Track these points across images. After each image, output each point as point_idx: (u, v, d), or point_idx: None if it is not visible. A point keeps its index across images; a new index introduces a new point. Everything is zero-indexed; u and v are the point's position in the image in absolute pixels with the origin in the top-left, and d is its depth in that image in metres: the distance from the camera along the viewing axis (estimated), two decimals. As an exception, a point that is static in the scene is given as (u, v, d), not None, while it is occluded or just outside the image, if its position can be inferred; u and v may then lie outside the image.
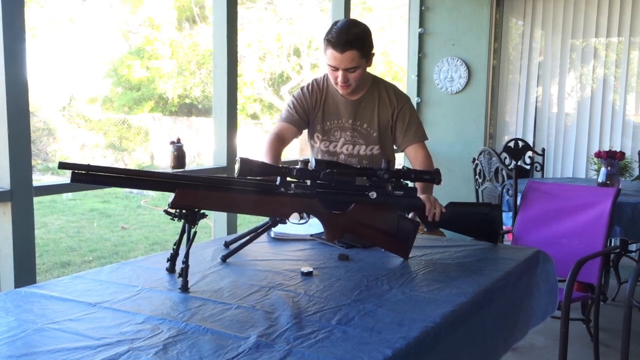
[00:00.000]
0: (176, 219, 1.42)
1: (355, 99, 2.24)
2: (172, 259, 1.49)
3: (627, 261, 4.09)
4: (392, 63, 12.35)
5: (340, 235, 1.61)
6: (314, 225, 1.71)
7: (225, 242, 1.75)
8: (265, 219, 1.68)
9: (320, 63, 12.52)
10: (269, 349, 1.02)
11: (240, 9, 3.13)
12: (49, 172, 10.85)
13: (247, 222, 5.61)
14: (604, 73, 4.75)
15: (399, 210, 1.65)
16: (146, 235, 7.16)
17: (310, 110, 2.25)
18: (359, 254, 1.70)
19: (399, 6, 10.86)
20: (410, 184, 1.76)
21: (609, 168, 3.35)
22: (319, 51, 12.51)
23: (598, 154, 3.42)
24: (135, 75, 12.67)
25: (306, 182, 1.54)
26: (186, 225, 1.42)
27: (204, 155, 11.80)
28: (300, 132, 2.27)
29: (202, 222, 1.45)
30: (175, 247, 1.49)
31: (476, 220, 1.81)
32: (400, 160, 4.99)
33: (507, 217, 3.34)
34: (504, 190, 3.42)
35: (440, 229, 1.83)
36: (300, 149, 7.99)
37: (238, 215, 3.01)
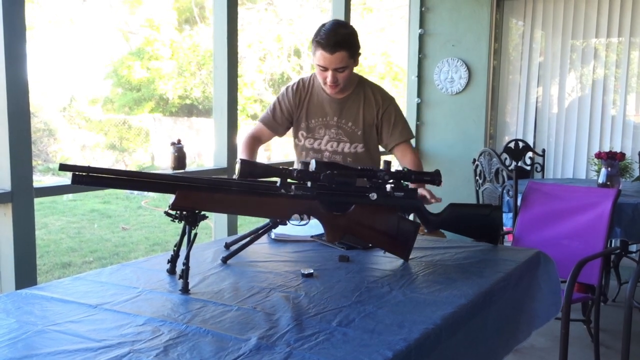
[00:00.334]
0: (177, 221, 1.42)
1: (340, 97, 2.30)
2: (173, 261, 1.49)
3: (627, 262, 4.09)
4: (392, 64, 12.35)
5: (341, 236, 1.61)
6: (315, 227, 1.71)
7: (226, 243, 1.75)
8: (266, 220, 1.68)
9: (320, 63, 12.51)
10: (270, 351, 1.02)
11: (240, 10, 3.14)
12: (50, 172, 10.86)
13: (247, 222, 5.61)
14: (604, 73, 4.75)
15: (400, 211, 1.65)
16: (147, 236, 7.16)
17: (294, 109, 2.32)
18: (359, 256, 1.70)
19: (400, 7, 10.86)
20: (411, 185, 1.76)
21: (609, 169, 3.35)
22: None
23: (598, 155, 3.43)
24: (136, 75, 12.68)
25: (307, 184, 1.54)
26: (187, 226, 1.42)
27: (204, 155, 11.80)
28: (275, 134, 2.37)
29: (202, 222, 1.46)
30: (175, 248, 1.50)
31: (476, 222, 1.81)
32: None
33: (507, 218, 3.34)
34: (505, 191, 3.42)
35: (441, 230, 1.84)
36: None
37: (238, 216, 3.01)
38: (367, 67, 12.46)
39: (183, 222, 1.42)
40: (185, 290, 1.33)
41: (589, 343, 2.85)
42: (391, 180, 1.63)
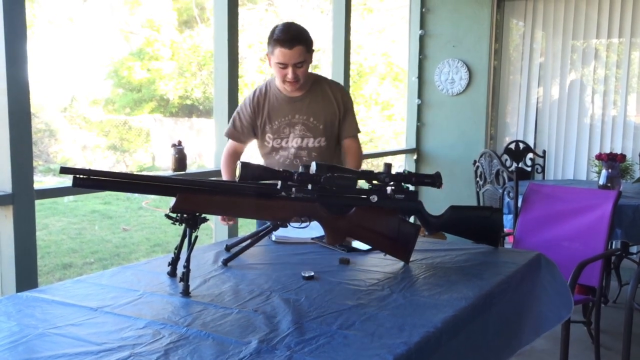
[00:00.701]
0: (177, 223, 1.42)
1: (299, 95, 2.40)
2: (173, 263, 1.49)
3: (628, 263, 4.09)
4: (393, 64, 12.34)
5: (342, 239, 1.61)
6: (315, 229, 1.71)
7: (227, 245, 1.75)
8: (267, 222, 1.68)
9: (321, 64, 12.53)
10: (270, 355, 1.02)
11: (241, 10, 3.14)
12: (51, 173, 10.86)
13: (247, 223, 5.62)
14: (604, 74, 4.75)
15: (400, 213, 1.65)
16: (147, 237, 7.17)
17: (257, 116, 2.42)
18: (359, 258, 1.70)
19: (400, 7, 10.86)
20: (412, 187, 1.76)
21: (610, 170, 3.35)
22: (319, 52, 12.51)
23: (599, 157, 3.43)
24: (136, 76, 12.68)
25: (307, 186, 1.54)
26: (187, 229, 1.42)
27: (205, 156, 11.80)
28: (242, 144, 2.49)
29: (203, 223, 1.46)
30: (176, 251, 1.50)
31: (477, 224, 1.81)
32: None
33: (508, 220, 3.34)
34: (505, 193, 3.42)
35: (442, 231, 1.84)
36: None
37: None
38: (368, 67, 12.46)
39: (184, 224, 1.42)
40: (185, 293, 1.34)
41: (590, 345, 2.85)
42: (392, 183, 1.63)
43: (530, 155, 4.73)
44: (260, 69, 12.62)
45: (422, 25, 5.06)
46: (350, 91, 4.33)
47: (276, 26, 2.30)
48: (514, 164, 4.56)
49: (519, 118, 5.06)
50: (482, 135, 4.92)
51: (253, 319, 1.18)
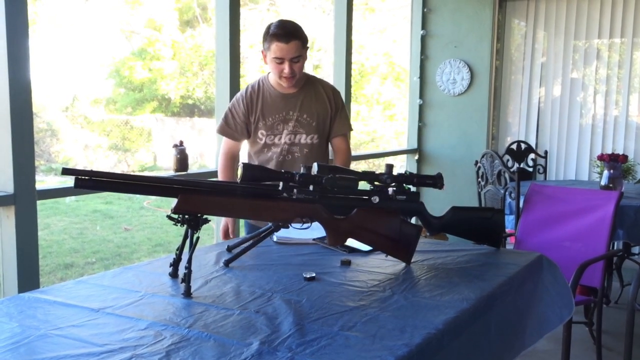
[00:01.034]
0: (179, 224, 1.42)
1: (293, 92, 2.42)
2: (175, 264, 1.49)
3: (629, 264, 4.08)
4: (394, 64, 12.33)
5: (343, 240, 1.61)
6: (316, 229, 1.71)
7: (228, 246, 1.75)
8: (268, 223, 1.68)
9: (322, 63, 12.52)
10: (272, 356, 1.02)
11: (242, 10, 3.15)
12: (52, 172, 10.87)
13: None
14: (606, 74, 4.75)
15: (402, 214, 1.65)
16: (149, 237, 7.17)
17: (250, 112, 2.42)
18: (361, 259, 1.70)
19: (402, 7, 10.86)
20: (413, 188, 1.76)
21: (611, 171, 3.35)
22: (320, 52, 12.51)
23: (601, 157, 3.42)
24: (138, 76, 12.69)
25: (309, 187, 1.54)
26: (189, 230, 1.43)
27: (206, 156, 11.81)
28: (236, 141, 2.48)
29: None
30: (178, 252, 1.50)
31: (478, 225, 1.81)
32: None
33: (509, 220, 3.34)
34: (507, 193, 3.42)
35: (443, 232, 1.83)
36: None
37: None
38: (369, 67, 12.45)
39: (185, 225, 1.42)
40: (187, 294, 1.34)
41: (591, 345, 2.85)
42: (393, 184, 1.63)
43: (532, 155, 4.73)
44: (262, 69, 12.62)
45: (424, 26, 5.06)
46: (352, 91, 4.33)
47: (271, 23, 2.32)
48: (516, 165, 4.56)
49: (520, 118, 5.05)
50: (483, 135, 4.92)
51: (254, 320, 1.19)
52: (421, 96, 5.15)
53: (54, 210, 8.25)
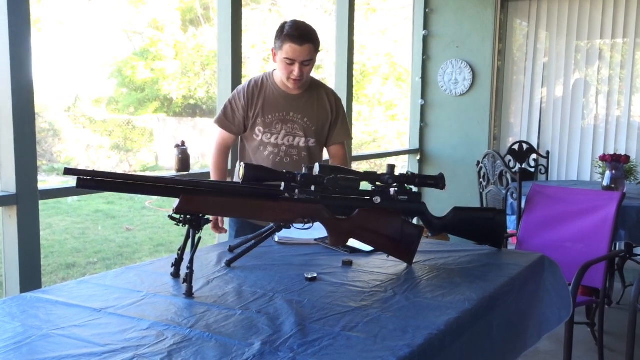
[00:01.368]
0: (181, 225, 1.43)
1: (296, 94, 2.38)
2: (177, 264, 1.50)
3: (632, 264, 4.08)
4: (396, 64, 12.33)
5: (345, 240, 1.61)
6: (318, 229, 1.71)
7: (230, 246, 1.75)
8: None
9: (324, 64, 12.53)
10: (273, 357, 1.02)
11: (244, 10, 3.15)
12: (54, 172, 10.89)
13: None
14: (609, 74, 4.74)
15: (403, 215, 1.65)
16: (151, 237, 7.18)
17: (250, 106, 2.37)
18: (362, 260, 1.70)
19: (404, 7, 10.85)
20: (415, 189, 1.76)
21: (613, 172, 3.34)
22: (322, 52, 12.50)
23: (603, 158, 3.42)
24: (140, 76, 12.70)
25: (310, 188, 1.54)
26: (191, 230, 1.43)
27: (208, 156, 11.80)
28: (232, 134, 2.44)
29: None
30: (179, 252, 1.50)
31: (480, 225, 1.81)
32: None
33: (511, 221, 3.33)
34: (509, 194, 3.41)
35: (445, 233, 1.83)
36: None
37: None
38: (371, 67, 12.45)
39: (187, 226, 1.42)
40: (189, 294, 1.34)
41: (593, 346, 2.84)
42: (395, 184, 1.63)
43: (534, 156, 4.72)
44: (264, 69, 12.62)
45: (426, 26, 5.06)
46: (354, 91, 4.33)
47: (286, 22, 2.28)
48: (518, 165, 4.55)
49: (522, 118, 5.05)
50: (485, 135, 4.91)
51: (256, 321, 1.19)
52: (423, 96, 5.14)
53: (56, 210, 8.26)
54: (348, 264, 1.64)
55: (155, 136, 12.72)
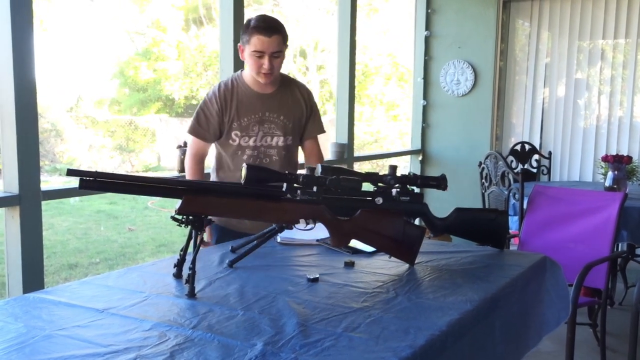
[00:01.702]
0: (183, 225, 1.43)
1: (269, 92, 2.33)
2: (179, 265, 1.50)
3: (634, 265, 4.08)
4: (398, 64, 12.33)
5: (347, 241, 1.62)
6: (320, 230, 1.71)
7: (232, 247, 1.76)
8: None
9: (327, 64, 12.53)
10: (276, 357, 1.02)
11: (246, 11, 3.15)
12: (57, 172, 10.91)
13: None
14: (611, 74, 4.74)
15: (405, 215, 1.66)
16: (153, 237, 7.19)
17: (224, 112, 2.29)
18: (364, 260, 1.70)
19: (406, 7, 10.85)
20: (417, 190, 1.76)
21: (616, 172, 3.34)
22: (325, 52, 12.51)
23: (605, 158, 3.41)
24: (142, 76, 12.72)
25: (312, 188, 1.54)
26: (193, 231, 1.43)
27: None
28: (206, 142, 2.36)
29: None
30: (182, 252, 1.50)
31: (482, 226, 1.81)
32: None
33: (513, 221, 3.33)
34: (511, 194, 3.41)
35: (447, 233, 1.84)
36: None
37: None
38: (373, 67, 12.46)
39: (189, 226, 1.42)
40: (191, 294, 1.34)
41: (596, 347, 2.84)
42: (397, 185, 1.63)
43: (536, 156, 4.72)
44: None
45: (428, 26, 5.06)
46: (356, 91, 4.33)
47: (251, 18, 2.24)
48: (520, 166, 4.55)
49: (524, 119, 5.05)
50: (487, 136, 4.91)
51: (258, 321, 1.19)
52: (425, 97, 5.14)
53: (59, 210, 8.28)
54: (350, 264, 1.64)
55: (157, 137, 12.73)
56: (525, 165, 4.62)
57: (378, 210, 1.60)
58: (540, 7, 4.90)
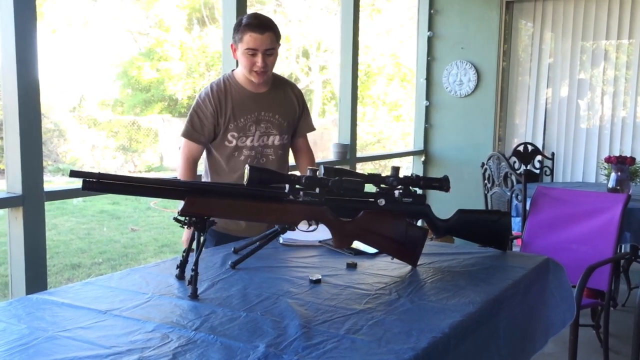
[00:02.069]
0: (185, 227, 1.43)
1: (262, 91, 2.32)
2: (182, 266, 1.50)
3: (637, 267, 4.06)
4: (401, 65, 12.32)
5: (349, 242, 1.61)
6: (322, 231, 1.71)
7: (235, 248, 1.76)
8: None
9: (329, 64, 12.53)
10: (278, 359, 1.02)
11: (249, 11, 3.15)
12: (60, 173, 10.93)
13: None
14: (614, 75, 4.73)
15: (408, 217, 1.65)
16: (156, 237, 7.19)
17: (219, 114, 2.26)
18: (367, 262, 1.70)
19: (408, 8, 10.85)
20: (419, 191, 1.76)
21: (619, 173, 3.33)
22: (327, 53, 12.51)
23: (608, 159, 3.41)
24: (145, 76, 12.74)
25: (315, 190, 1.54)
26: (195, 232, 1.43)
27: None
28: (205, 145, 2.33)
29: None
30: (184, 254, 1.51)
31: (485, 228, 1.81)
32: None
33: (516, 223, 3.33)
34: (513, 196, 3.41)
35: (449, 235, 1.83)
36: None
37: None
38: (376, 68, 12.45)
39: (192, 227, 1.43)
40: (194, 296, 1.34)
41: (599, 348, 2.83)
42: (399, 186, 1.63)
43: (539, 157, 4.71)
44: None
45: (431, 27, 5.05)
46: (358, 92, 4.34)
47: (242, 16, 2.24)
48: (523, 167, 4.54)
49: (527, 119, 5.04)
50: (490, 136, 4.91)
51: (261, 323, 1.19)
52: (428, 97, 5.14)
53: (62, 211, 8.30)
54: (352, 266, 1.64)
55: (160, 137, 12.75)
56: (528, 166, 4.61)
57: (380, 211, 1.60)
58: (543, 8, 4.90)
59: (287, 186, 1.52)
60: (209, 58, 12.81)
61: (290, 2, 12.27)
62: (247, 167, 1.46)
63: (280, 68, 12.73)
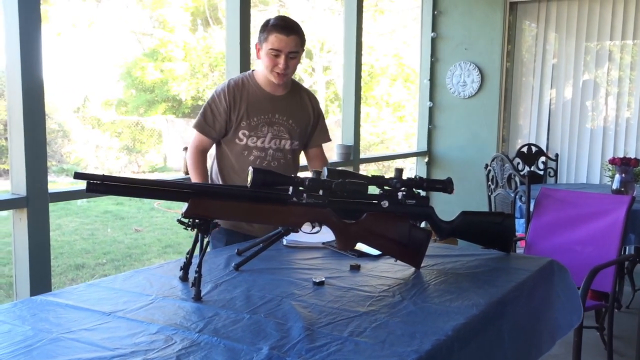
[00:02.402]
0: (189, 228, 1.43)
1: (279, 94, 2.32)
2: (185, 268, 1.50)
3: (641, 268, 4.05)
4: (404, 65, 12.31)
5: (353, 244, 1.61)
6: (326, 233, 1.71)
7: (238, 249, 1.76)
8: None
9: (333, 65, 12.53)
10: (281, 362, 1.02)
11: (253, 12, 3.16)
12: (64, 173, 10.96)
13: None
14: (618, 76, 4.71)
15: (411, 219, 1.65)
16: (159, 238, 7.21)
17: (232, 110, 2.27)
18: (370, 264, 1.70)
19: (412, 9, 10.84)
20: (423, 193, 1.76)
21: (623, 175, 3.32)
22: (330, 53, 12.51)
23: (612, 161, 3.40)
24: (149, 77, 12.76)
25: (318, 192, 1.54)
26: (199, 234, 1.43)
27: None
28: (216, 139, 2.33)
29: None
30: (188, 255, 1.51)
31: (489, 229, 1.80)
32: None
33: (520, 224, 3.32)
34: (517, 197, 3.40)
35: (453, 237, 1.83)
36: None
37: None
38: (379, 68, 12.45)
39: (196, 229, 1.43)
40: (197, 297, 1.34)
41: (603, 350, 2.82)
42: (403, 188, 1.63)
43: (543, 158, 4.70)
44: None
45: (434, 28, 5.05)
46: (362, 92, 4.33)
47: (270, 18, 2.26)
48: (526, 168, 4.53)
49: (531, 121, 5.03)
50: (494, 137, 4.90)
51: (264, 325, 1.19)
52: (431, 98, 5.14)
53: (66, 211, 8.32)
54: (356, 268, 1.64)
55: (163, 137, 12.77)
56: (532, 167, 4.60)
57: (384, 213, 1.60)
58: (547, 9, 4.89)
59: (290, 188, 1.52)
60: (212, 59, 12.82)
61: (294, 2, 12.28)
62: (250, 169, 1.46)
63: (284, 69, 12.72)
